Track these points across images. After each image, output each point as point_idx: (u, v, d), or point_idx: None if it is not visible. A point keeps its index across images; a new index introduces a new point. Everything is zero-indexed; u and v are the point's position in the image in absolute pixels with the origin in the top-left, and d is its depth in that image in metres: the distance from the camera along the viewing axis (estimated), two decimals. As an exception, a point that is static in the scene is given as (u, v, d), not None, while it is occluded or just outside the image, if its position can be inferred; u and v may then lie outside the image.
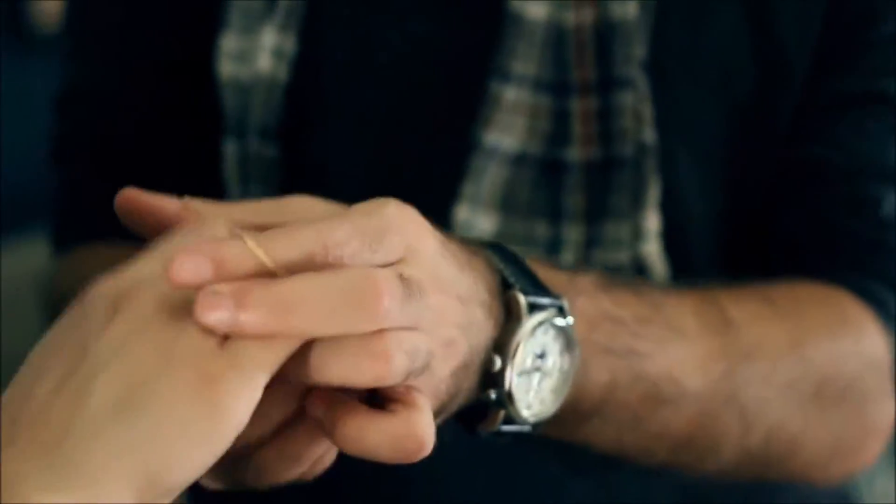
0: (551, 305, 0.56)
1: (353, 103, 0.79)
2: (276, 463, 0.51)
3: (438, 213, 0.73)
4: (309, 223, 0.49)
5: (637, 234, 0.75)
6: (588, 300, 0.60)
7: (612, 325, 0.63)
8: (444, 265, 0.52)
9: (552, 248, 0.75)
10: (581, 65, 0.74)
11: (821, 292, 0.74)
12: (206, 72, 0.84)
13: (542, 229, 0.76)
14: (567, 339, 0.57)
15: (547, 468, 0.80)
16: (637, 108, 0.74)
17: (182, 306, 0.48)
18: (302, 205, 0.55)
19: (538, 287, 0.57)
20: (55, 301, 0.81)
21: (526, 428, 0.57)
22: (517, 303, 0.55)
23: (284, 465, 0.51)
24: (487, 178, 0.76)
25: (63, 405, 0.46)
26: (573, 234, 0.76)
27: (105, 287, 0.49)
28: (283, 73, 0.78)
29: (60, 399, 0.46)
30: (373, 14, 0.78)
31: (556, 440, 0.63)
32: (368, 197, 0.77)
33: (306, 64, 0.78)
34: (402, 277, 0.49)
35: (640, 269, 0.75)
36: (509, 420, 0.56)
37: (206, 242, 0.48)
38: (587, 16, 0.74)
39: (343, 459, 0.54)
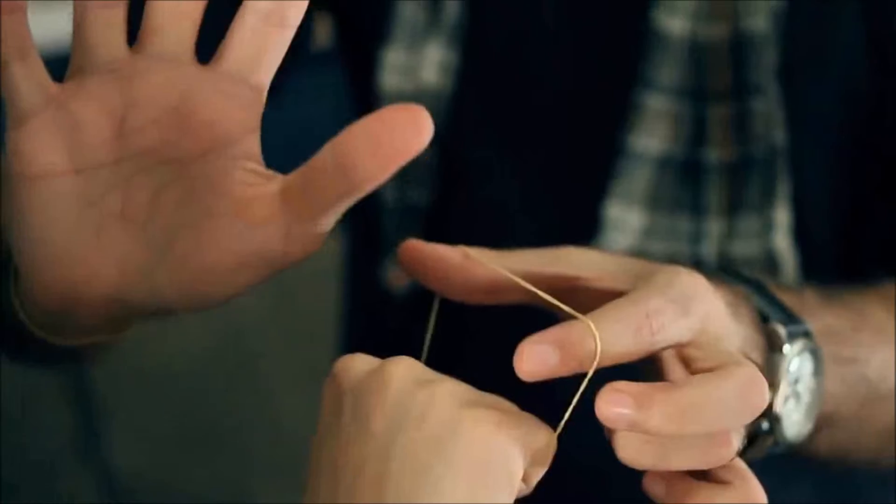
0: (802, 331, 0.59)
1: (509, 111, 0.83)
2: None
3: (588, 211, 0.79)
4: (628, 299, 0.50)
5: (769, 227, 0.78)
6: (814, 318, 0.62)
7: (837, 338, 0.65)
8: (731, 325, 0.54)
9: (694, 240, 0.79)
10: (717, 74, 0.78)
11: None
12: None
13: (684, 224, 0.80)
14: (817, 360, 0.60)
15: None
16: (769, 112, 0.77)
17: (434, 377, 0.49)
18: (580, 255, 0.56)
19: (789, 315, 0.59)
20: None
21: (783, 449, 0.59)
22: (778, 336, 0.58)
23: None
24: (635, 178, 0.79)
25: (365, 500, 0.47)
26: (713, 227, 0.79)
27: (352, 365, 0.50)
28: (448, 85, 0.82)
29: (360, 494, 0.47)
30: (528, 30, 0.82)
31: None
32: (522, 198, 0.82)
33: (468, 76, 0.82)
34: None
35: (771, 261, 0.78)
36: (774, 444, 0.58)
37: (555, 332, 0.48)
38: (723, 29, 0.78)
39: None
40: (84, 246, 0.51)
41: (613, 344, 0.48)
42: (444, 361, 0.53)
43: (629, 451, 0.48)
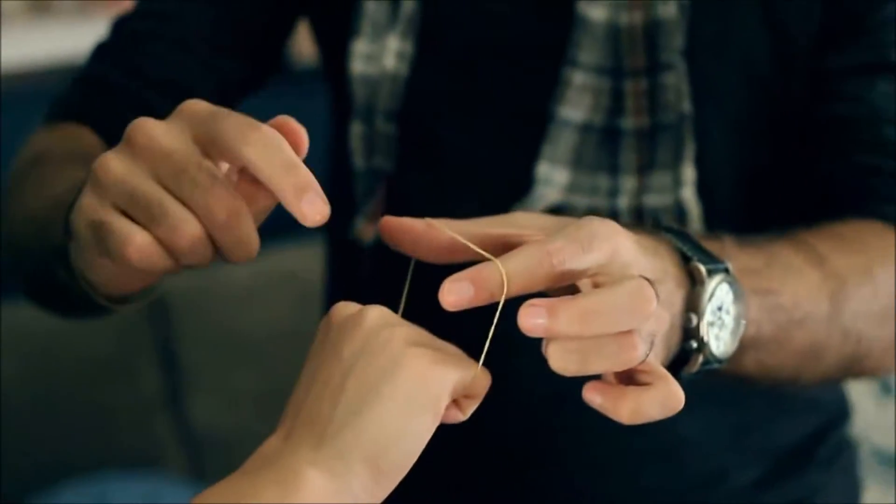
0: (722, 268, 0.68)
1: (457, 89, 0.92)
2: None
3: (524, 170, 0.89)
4: (535, 243, 0.59)
5: (677, 183, 0.87)
6: (732, 258, 0.71)
7: (752, 274, 0.74)
8: (641, 258, 0.62)
9: (612, 195, 0.88)
10: (633, 54, 0.87)
11: (870, 227, 0.84)
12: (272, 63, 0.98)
13: (604, 181, 0.89)
14: (736, 291, 0.68)
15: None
16: (677, 85, 0.86)
17: (397, 322, 0.60)
18: (526, 218, 0.65)
19: (708, 255, 0.68)
20: (14, 170, 0.90)
21: (716, 365, 0.68)
22: (699, 271, 0.67)
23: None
24: (561, 142, 0.88)
25: (327, 401, 0.58)
26: (628, 183, 0.88)
27: (343, 308, 0.61)
28: (404, 70, 0.92)
29: (325, 397, 0.58)
30: (473, 21, 0.91)
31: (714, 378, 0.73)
32: (469, 160, 0.92)
33: (421, 61, 0.92)
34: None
35: (680, 211, 0.88)
36: (705, 362, 0.68)
37: (469, 271, 0.58)
38: (637, 16, 0.87)
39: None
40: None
41: (517, 276, 0.58)
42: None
43: (557, 360, 0.58)
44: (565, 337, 0.57)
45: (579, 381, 0.60)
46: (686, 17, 0.87)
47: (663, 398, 0.59)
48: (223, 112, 0.61)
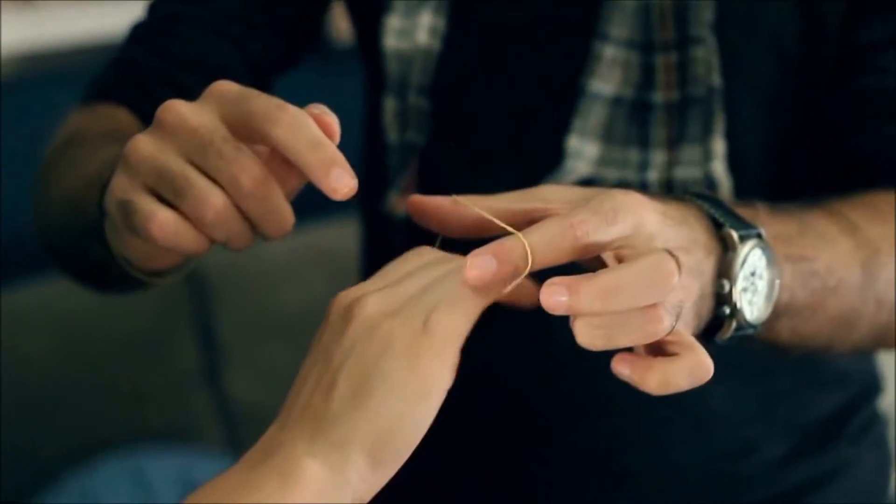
0: (754, 234, 0.68)
1: (488, 65, 0.93)
2: None
3: (555, 143, 0.90)
4: (558, 216, 0.60)
5: (707, 156, 0.87)
6: (765, 225, 0.71)
7: (785, 241, 0.74)
8: (666, 229, 0.62)
9: (642, 168, 0.89)
10: (663, 28, 0.88)
11: None
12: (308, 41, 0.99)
13: (634, 154, 0.89)
14: (769, 256, 0.69)
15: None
16: (707, 59, 0.87)
17: (394, 309, 0.60)
18: (551, 191, 0.66)
19: (741, 221, 0.68)
20: (49, 150, 0.91)
21: (750, 331, 0.68)
22: (731, 237, 0.67)
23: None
24: (592, 116, 0.89)
25: (320, 396, 0.59)
26: (658, 157, 0.88)
27: (342, 298, 0.62)
28: (437, 46, 0.93)
29: (318, 392, 0.59)
30: None
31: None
32: (500, 134, 0.92)
33: (453, 38, 0.93)
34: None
35: (710, 184, 0.88)
36: (739, 328, 0.68)
37: (492, 244, 0.59)
38: None
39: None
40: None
41: (541, 249, 0.59)
42: None
43: (583, 336, 0.59)
44: (588, 314, 0.58)
45: (605, 354, 0.61)
46: None
47: (691, 368, 0.60)
48: (252, 93, 0.63)
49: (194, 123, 0.62)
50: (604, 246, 0.61)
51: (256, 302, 2.00)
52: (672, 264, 0.58)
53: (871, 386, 1.06)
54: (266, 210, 0.62)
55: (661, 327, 0.58)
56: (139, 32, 0.97)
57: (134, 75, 0.93)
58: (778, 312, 0.72)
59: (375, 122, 0.98)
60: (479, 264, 0.58)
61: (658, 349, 0.61)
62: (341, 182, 0.60)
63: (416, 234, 0.95)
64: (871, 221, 0.81)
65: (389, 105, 0.96)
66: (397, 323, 0.59)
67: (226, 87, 0.63)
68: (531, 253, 0.59)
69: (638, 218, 0.61)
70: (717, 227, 0.68)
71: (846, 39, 0.88)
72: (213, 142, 0.61)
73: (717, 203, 0.70)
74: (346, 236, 2.02)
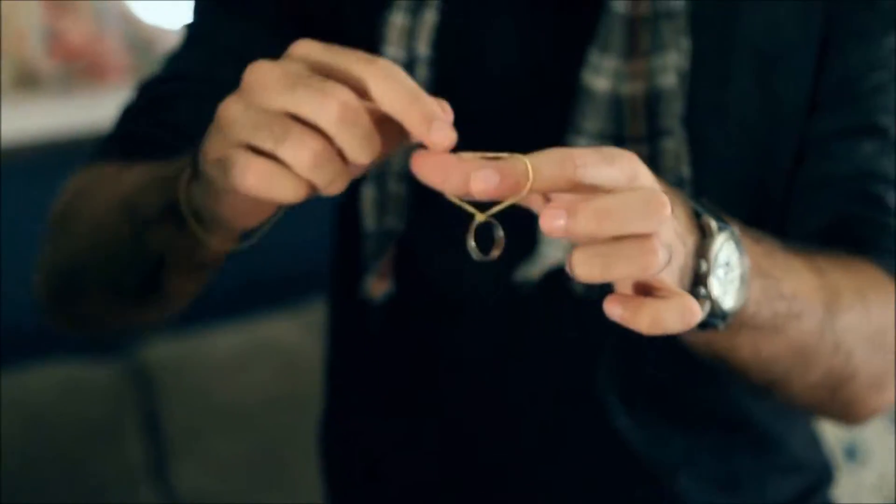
0: (729, 229, 0.71)
1: (474, 100, 0.89)
2: None
3: (531, 232, 0.87)
4: (560, 148, 0.61)
5: None
6: (741, 236, 0.72)
7: (756, 256, 0.74)
8: (657, 187, 0.64)
9: None
10: (634, 122, 0.90)
11: (864, 263, 0.86)
12: None
13: None
14: (741, 251, 0.71)
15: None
16: (676, 150, 0.89)
17: None
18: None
19: (717, 214, 0.71)
20: (56, 210, 0.90)
21: (720, 323, 0.70)
22: (709, 225, 0.70)
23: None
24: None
25: None
26: None
27: None
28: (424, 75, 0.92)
29: None
30: (480, 89, 0.93)
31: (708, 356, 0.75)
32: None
33: (440, 85, 0.91)
34: None
35: None
36: (712, 314, 0.69)
37: (495, 162, 0.59)
38: (639, 86, 0.89)
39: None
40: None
41: (541, 171, 0.60)
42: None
43: (581, 267, 0.60)
44: (584, 236, 0.59)
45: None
46: (685, 85, 0.90)
47: (681, 309, 0.61)
48: (336, 48, 0.63)
49: (281, 70, 0.62)
50: (599, 186, 0.61)
51: (203, 394, 1.99)
52: (665, 198, 0.60)
53: (826, 474, 1.09)
54: (358, 136, 0.62)
55: (655, 259, 0.60)
56: (130, 112, 0.96)
57: (130, 144, 0.91)
58: (743, 321, 0.74)
59: (352, 210, 0.98)
60: (483, 177, 0.59)
61: (648, 294, 0.62)
62: (442, 134, 0.60)
63: (393, 317, 0.97)
64: (835, 269, 0.83)
65: (368, 193, 0.95)
66: None
67: (309, 44, 0.64)
68: (532, 172, 0.60)
69: (634, 168, 0.62)
70: (696, 217, 0.70)
71: (809, 127, 0.91)
72: (300, 77, 0.62)
73: (697, 200, 0.72)
74: (292, 328, 2.04)
